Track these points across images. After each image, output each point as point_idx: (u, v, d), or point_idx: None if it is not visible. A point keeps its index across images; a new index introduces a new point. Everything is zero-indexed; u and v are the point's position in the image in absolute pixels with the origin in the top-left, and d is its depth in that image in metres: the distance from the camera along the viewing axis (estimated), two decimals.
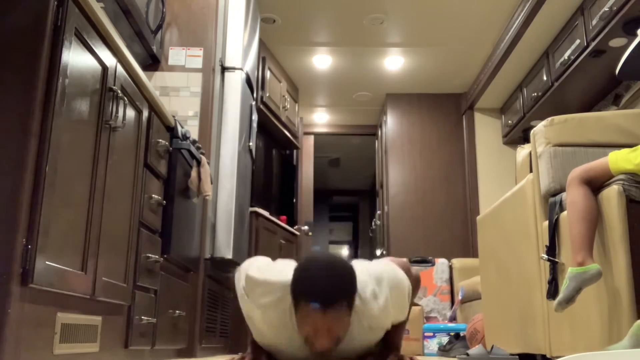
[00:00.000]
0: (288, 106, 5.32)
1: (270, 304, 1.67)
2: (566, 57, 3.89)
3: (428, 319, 4.71)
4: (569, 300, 1.81)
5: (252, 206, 4.00)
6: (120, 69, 1.87)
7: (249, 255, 3.90)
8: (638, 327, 1.52)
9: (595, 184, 1.90)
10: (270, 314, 1.69)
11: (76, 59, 1.55)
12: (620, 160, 1.86)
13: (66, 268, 1.50)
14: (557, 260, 2.12)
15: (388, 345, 1.96)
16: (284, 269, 1.70)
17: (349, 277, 1.59)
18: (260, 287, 1.69)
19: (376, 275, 1.74)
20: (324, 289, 1.52)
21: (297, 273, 1.59)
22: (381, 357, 1.88)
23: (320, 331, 1.53)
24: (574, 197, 1.88)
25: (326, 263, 1.59)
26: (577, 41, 3.73)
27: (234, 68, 3.51)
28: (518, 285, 2.52)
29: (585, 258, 1.79)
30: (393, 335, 1.96)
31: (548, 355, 2.25)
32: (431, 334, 4.06)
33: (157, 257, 2.23)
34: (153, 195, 2.21)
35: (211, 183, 2.86)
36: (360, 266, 1.75)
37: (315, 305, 1.49)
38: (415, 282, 1.93)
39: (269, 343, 1.83)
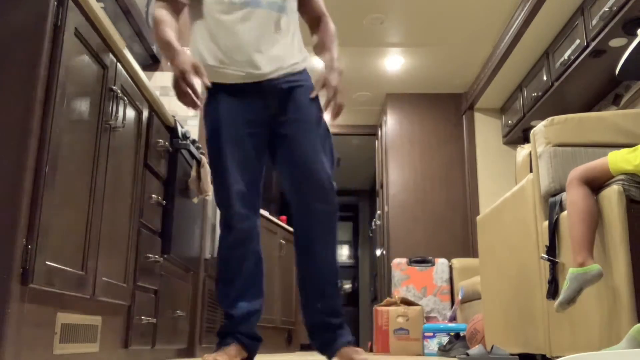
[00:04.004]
0: None
1: None
2: (566, 57, 3.89)
3: (428, 319, 4.72)
4: (570, 301, 1.81)
5: None
6: (120, 69, 1.87)
7: None
8: (636, 330, 1.52)
9: (595, 184, 1.90)
10: None
11: (76, 59, 1.55)
12: (619, 160, 1.86)
13: (66, 268, 1.50)
14: (557, 260, 2.12)
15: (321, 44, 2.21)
16: None
17: None
18: None
19: None
20: None
21: None
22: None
23: None
24: (574, 198, 1.88)
25: None
26: (577, 41, 3.73)
27: None
28: (518, 285, 2.52)
29: (586, 259, 1.79)
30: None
31: (548, 355, 2.25)
32: (431, 334, 4.06)
33: (157, 257, 2.23)
34: (153, 195, 2.21)
35: (211, 183, 2.87)
36: None
37: None
38: None
39: None
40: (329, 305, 1.95)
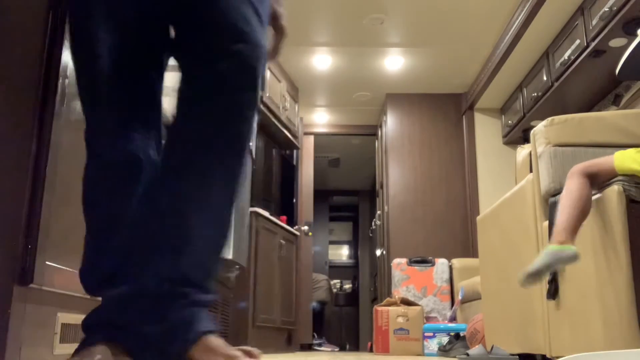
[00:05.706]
0: (288, 106, 5.32)
1: None
2: (566, 57, 3.89)
3: (428, 319, 4.72)
4: (536, 274, 1.78)
5: (252, 206, 4.00)
6: None
7: (250, 256, 3.90)
8: None
9: (596, 180, 1.90)
10: None
11: None
12: (627, 159, 1.85)
13: (66, 268, 1.50)
14: None
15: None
16: None
17: None
18: None
19: None
20: None
21: None
22: None
23: None
24: (571, 186, 1.88)
25: None
26: (577, 41, 3.73)
27: None
28: (518, 285, 2.52)
29: (567, 239, 1.78)
30: None
31: (548, 355, 2.25)
32: (431, 334, 4.06)
33: None
34: None
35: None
36: None
37: None
38: None
39: None
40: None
